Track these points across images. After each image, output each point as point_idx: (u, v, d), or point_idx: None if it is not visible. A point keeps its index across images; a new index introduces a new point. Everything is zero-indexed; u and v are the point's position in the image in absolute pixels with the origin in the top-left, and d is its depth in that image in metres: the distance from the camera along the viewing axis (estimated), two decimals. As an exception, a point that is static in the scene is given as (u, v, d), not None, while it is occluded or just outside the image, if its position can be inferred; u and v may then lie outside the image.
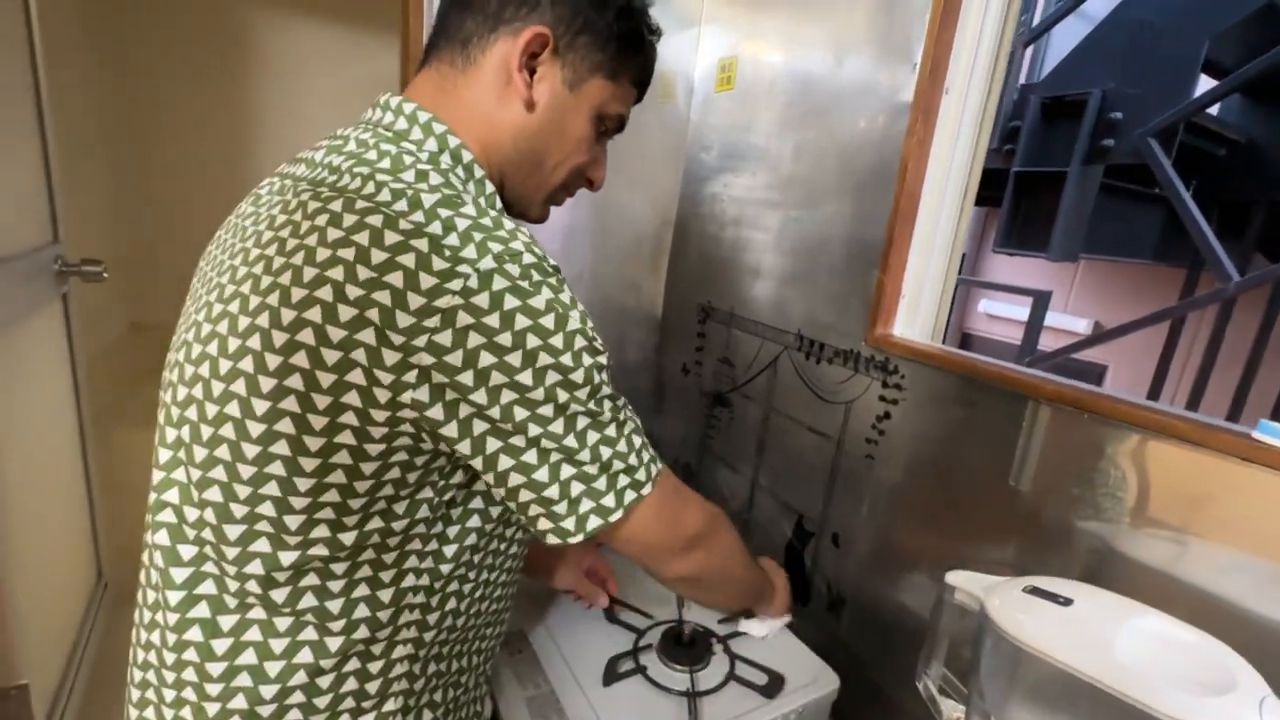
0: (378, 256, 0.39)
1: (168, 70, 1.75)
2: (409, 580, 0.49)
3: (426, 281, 0.39)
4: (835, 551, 0.92)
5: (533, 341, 0.42)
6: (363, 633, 0.48)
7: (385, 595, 0.48)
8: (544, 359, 0.42)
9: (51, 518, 1.07)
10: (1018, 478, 0.67)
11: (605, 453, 0.47)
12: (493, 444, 0.43)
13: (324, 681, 0.47)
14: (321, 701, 0.48)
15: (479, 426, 0.43)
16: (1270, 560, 0.50)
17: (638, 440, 0.50)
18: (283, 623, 0.46)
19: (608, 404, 0.47)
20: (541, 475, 0.45)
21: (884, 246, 0.81)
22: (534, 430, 0.44)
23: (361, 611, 0.47)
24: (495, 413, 0.42)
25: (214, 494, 0.44)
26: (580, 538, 0.47)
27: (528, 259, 0.43)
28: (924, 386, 0.78)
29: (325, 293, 0.39)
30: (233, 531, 0.44)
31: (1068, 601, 0.49)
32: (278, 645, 0.46)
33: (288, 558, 0.44)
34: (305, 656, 0.46)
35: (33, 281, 0.98)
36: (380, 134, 0.49)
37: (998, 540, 0.70)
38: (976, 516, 0.72)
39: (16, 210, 0.96)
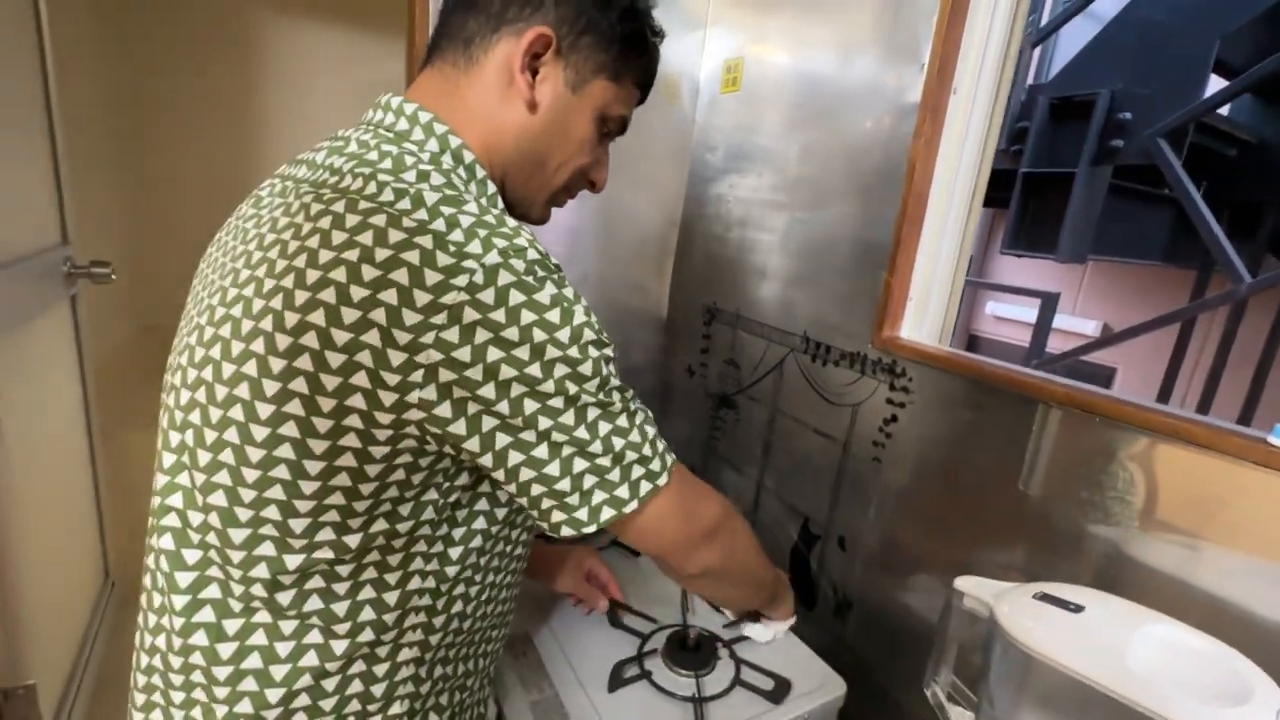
0: (382, 254, 0.39)
1: (176, 73, 1.76)
2: (414, 583, 0.49)
3: (432, 278, 0.39)
4: (842, 555, 0.91)
5: (540, 335, 0.42)
6: (368, 636, 0.48)
7: (391, 598, 0.48)
8: (552, 352, 0.42)
9: (59, 518, 1.07)
10: (1027, 482, 0.67)
11: (618, 443, 0.46)
12: (502, 439, 0.43)
13: (329, 684, 0.47)
14: (327, 704, 0.48)
15: (488, 423, 0.42)
16: (1286, 567, 0.49)
17: (650, 431, 0.49)
18: (288, 626, 0.46)
19: (617, 395, 0.47)
20: (553, 469, 0.44)
21: (891, 248, 0.81)
22: (544, 423, 0.43)
23: (367, 614, 0.47)
24: (504, 408, 0.42)
25: (218, 498, 0.44)
26: (593, 527, 0.46)
27: (531, 255, 0.43)
28: (932, 389, 0.77)
29: (328, 295, 0.39)
30: (237, 535, 0.44)
31: (1078, 608, 0.49)
32: (283, 649, 0.46)
33: (293, 561, 0.44)
34: (310, 660, 0.46)
35: (42, 283, 0.99)
36: (381, 135, 0.49)
37: (1006, 545, 0.69)
38: (985, 521, 0.72)
39: (26, 212, 0.96)
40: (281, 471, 0.42)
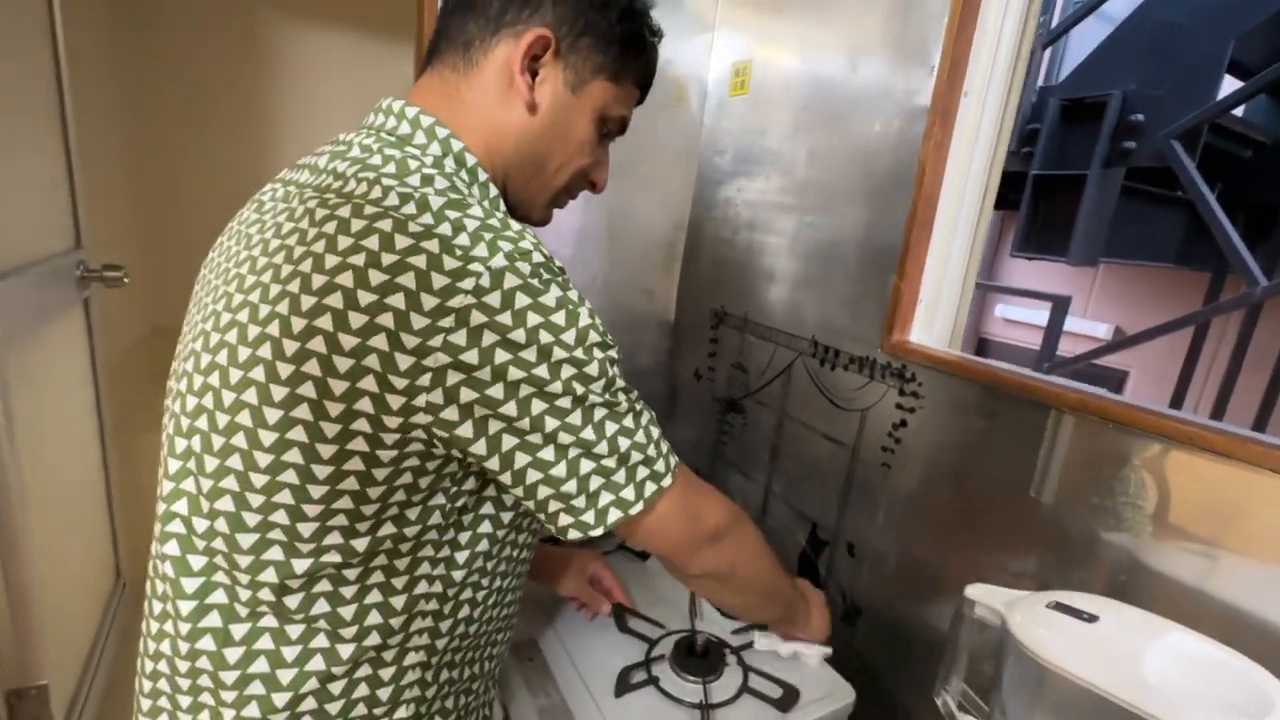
0: (389, 259, 0.39)
1: (188, 79, 1.78)
2: (421, 587, 0.49)
3: (439, 281, 0.39)
4: (850, 561, 0.91)
5: (546, 337, 0.42)
6: (374, 640, 0.48)
7: (397, 602, 0.48)
8: (559, 353, 0.42)
9: (72, 519, 1.08)
10: (1039, 488, 0.66)
11: (623, 444, 0.46)
12: (509, 441, 0.43)
13: (335, 688, 0.47)
14: (333, 708, 0.48)
15: (494, 426, 0.42)
16: (1306, 577, 0.48)
17: (655, 432, 0.50)
18: (295, 630, 0.46)
19: (623, 396, 0.47)
20: (559, 471, 0.44)
21: (901, 252, 0.80)
22: (551, 424, 0.43)
23: (373, 618, 0.47)
24: (511, 409, 0.42)
25: (226, 503, 0.44)
26: (600, 530, 0.47)
27: (537, 258, 0.43)
28: (942, 394, 0.77)
29: (336, 300, 0.39)
30: (245, 540, 0.44)
31: (1093, 618, 0.48)
32: (289, 653, 0.46)
33: (300, 565, 0.44)
34: (317, 664, 0.46)
35: (56, 287, 1.00)
36: (384, 139, 0.49)
37: (1018, 552, 0.69)
38: (996, 527, 0.71)
39: (41, 217, 0.98)
40: (289, 476, 0.42)
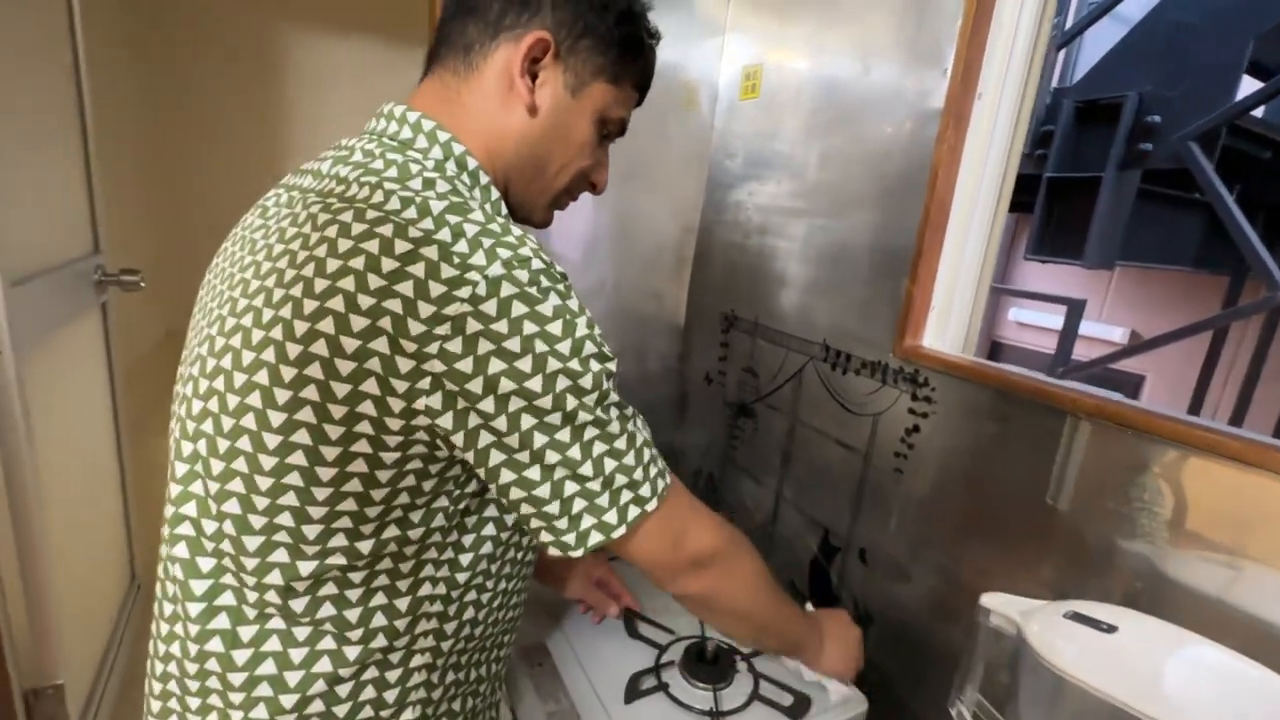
0: (388, 265, 0.40)
1: (204, 84, 1.80)
2: (425, 589, 0.49)
3: (436, 289, 0.39)
4: (863, 568, 0.90)
5: (540, 347, 0.42)
6: (380, 642, 0.48)
7: (402, 604, 0.48)
8: (552, 364, 0.42)
9: (88, 520, 1.10)
10: (1055, 495, 0.65)
11: (609, 465, 0.46)
12: (496, 456, 0.43)
13: (343, 690, 0.48)
14: (340, 710, 0.48)
15: (484, 438, 0.42)
16: (1332, 589, 0.47)
17: (647, 454, 0.49)
18: (301, 632, 0.46)
19: (615, 412, 0.46)
20: (543, 491, 0.44)
21: (913, 256, 0.79)
22: (539, 441, 0.43)
23: (379, 620, 0.48)
24: (502, 423, 0.42)
25: (232, 506, 0.44)
26: (581, 552, 0.46)
27: (536, 265, 0.43)
28: (955, 399, 0.76)
29: (337, 303, 0.40)
30: (251, 543, 0.44)
31: (1111, 628, 0.47)
32: (297, 655, 0.46)
33: (306, 567, 0.44)
34: (324, 665, 0.47)
35: (75, 291, 1.01)
36: (385, 143, 0.49)
37: (1034, 560, 0.68)
38: (1011, 535, 0.70)
39: (61, 222, 0.99)
40: (294, 479, 0.42)
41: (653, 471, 0.49)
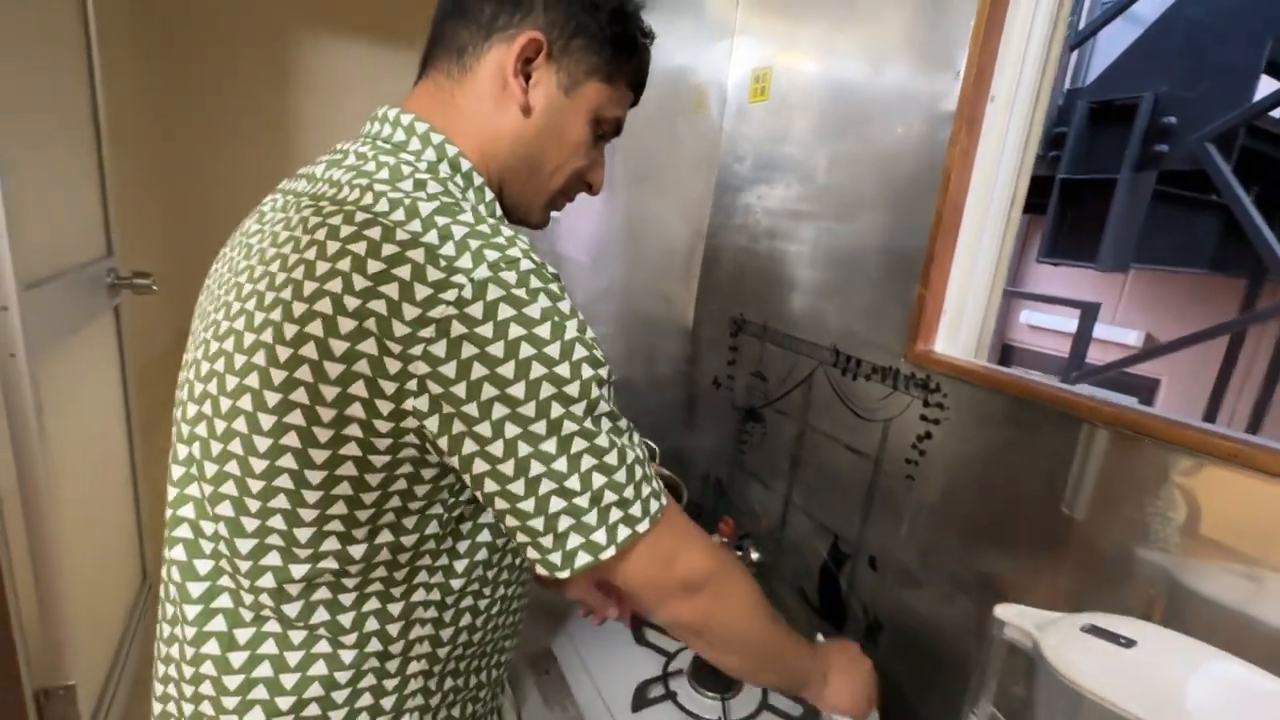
0: (374, 267, 0.39)
1: (215, 87, 1.82)
2: (419, 595, 0.49)
3: (421, 292, 0.39)
4: (873, 575, 0.89)
5: (526, 351, 0.40)
6: (375, 646, 0.48)
7: (396, 609, 0.48)
8: (537, 369, 0.40)
9: (100, 521, 1.10)
10: (1071, 504, 0.64)
11: (598, 481, 0.43)
12: (480, 465, 0.42)
13: (339, 695, 0.48)
14: (337, 715, 0.48)
15: (469, 446, 0.41)
16: (1360, 604, 0.46)
17: (639, 471, 0.46)
18: (296, 636, 0.46)
19: (606, 424, 0.44)
20: (527, 505, 0.42)
21: (925, 260, 0.79)
22: (523, 450, 0.41)
23: (371, 625, 0.47)
24: (485, 430, 0.40)
25: (226, 508, 0.44)
26: (568, 574, 0.43)
27: (525, 265, 0.42)
28: (968, 405, 0.75)
29: (324, 306, 0.40)
30: (244, 545, 0.44)
31: (1130, 642, 0.46)
32: (292, 658, 0.46)
33: (298, 570, 0.44)
34: (320, 669, 0.47)
35: (88, 294, 1.02)
36: (379, 146, 0.49)
37: (1048, 570, 0.66)
38: (1025, 544, 0.69)
39: (76, 226, 1.00)
40: (285, 481, 0.42)
41: (645, 491, 0.46)
